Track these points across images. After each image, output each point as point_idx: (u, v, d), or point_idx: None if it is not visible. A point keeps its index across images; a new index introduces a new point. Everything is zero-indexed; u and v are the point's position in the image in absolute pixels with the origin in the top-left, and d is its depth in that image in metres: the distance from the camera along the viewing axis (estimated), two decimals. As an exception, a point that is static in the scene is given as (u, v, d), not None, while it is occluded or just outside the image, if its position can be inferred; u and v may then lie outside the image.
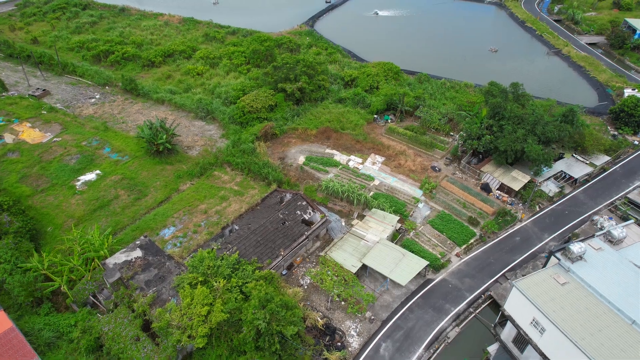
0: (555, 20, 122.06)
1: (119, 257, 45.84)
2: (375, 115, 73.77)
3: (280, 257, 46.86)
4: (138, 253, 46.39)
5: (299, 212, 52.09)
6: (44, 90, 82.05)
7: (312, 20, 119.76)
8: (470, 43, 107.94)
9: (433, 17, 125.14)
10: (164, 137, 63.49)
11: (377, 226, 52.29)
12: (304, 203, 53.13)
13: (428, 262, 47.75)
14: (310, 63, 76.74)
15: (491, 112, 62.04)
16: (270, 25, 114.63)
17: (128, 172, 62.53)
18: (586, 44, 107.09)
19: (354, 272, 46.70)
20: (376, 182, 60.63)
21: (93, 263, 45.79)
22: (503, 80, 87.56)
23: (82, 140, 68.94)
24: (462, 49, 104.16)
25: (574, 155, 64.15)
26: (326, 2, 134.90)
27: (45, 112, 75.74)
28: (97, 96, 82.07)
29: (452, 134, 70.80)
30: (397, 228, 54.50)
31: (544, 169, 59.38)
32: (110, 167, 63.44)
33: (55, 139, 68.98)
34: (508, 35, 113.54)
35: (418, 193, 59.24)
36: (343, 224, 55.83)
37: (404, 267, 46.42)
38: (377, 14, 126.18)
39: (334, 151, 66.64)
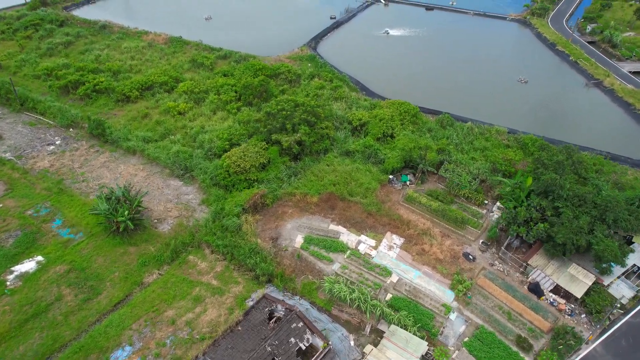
0: (588, 42, 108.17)
1: None
2: (391, 176, 60.26)
3: (266, 422, 33.64)
4: (67, 414, 33.21)
5: (293, 339, 38.76)
6: (-6, 134, 69.06)
7: (314, 41, 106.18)
8: (496, 71, 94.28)
9: (450, 38, 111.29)
10: (126, 213, 50.18)
11: (398, 357, 38.91)
12: (301, 325, 39.79)
13: None
14: (311, 108, 63.30)
15: (542, 186, 48.48)
16: (267, 47, 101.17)
17: (79, 259, 49.23)
18: (629, 72, 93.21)
19: None
20: (394, 279, 47.19)
21: None
22: (539, 124, 74.84)
23: (28, 208, 55.75)
24: (487, 79, 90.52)
25: (645, 239, 50.57)
26: (331, 17, 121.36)
27: (-11, 166, 62.78)
28: (58, 142, 68.84)
29: (486, 202, 57.26)
30: (424, 353, 41.11)
31: (613, 265, 45.85)
32: (57, 250, 50.12)
33: (-5, 206, 55.92)
34: (537, 61, 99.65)
35: (449, 296, 45.76)
36: (352, 343, 42.45)
37: None
38: (388, 33, 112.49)
39: (340, 228, 53.21)
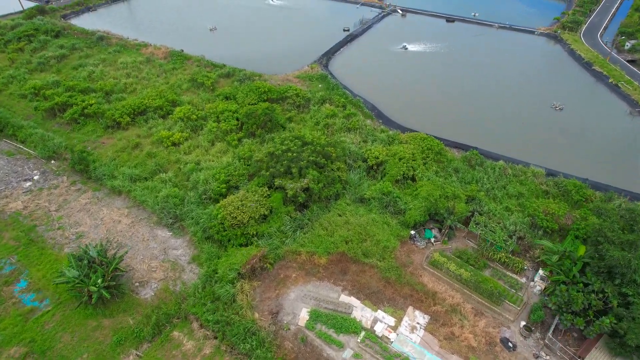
0: (628, 61, 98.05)
1: None
2: (413, 232, 51.60)
3: None
4: None
5: None
6: (-34, 167, 61.91)
7: (326, 57, 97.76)
8: (527, 95, 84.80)
9: (474, 55, 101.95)
10: (100, 280, 42.30)
11: None
12: None
13: None
14: (321, 147, 54.98)
15: (603, 264, 39.48)
16: (274, 64, 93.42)
17: (40, 338, 41.50)
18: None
19: None
20: (419, 374, 38.70)
21: None
22: (580, 162, 65.66)
23: (-9, 264, 48.33)
24: (518, 105, 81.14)
25: None
26: (344, 30, 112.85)
27: (-45, 209, 55.55)
28: (36, 177, 61.43)
29: (526, 267, 48.37)
30: None
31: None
32: (16, 324, 42.43)
33: (-46, 261, 48.51)
34: (572, 84, 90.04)
35: (487, 402, 37.11)
36: None
37: None
38: (406, 48, 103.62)
39: (353, 300, 44.77)
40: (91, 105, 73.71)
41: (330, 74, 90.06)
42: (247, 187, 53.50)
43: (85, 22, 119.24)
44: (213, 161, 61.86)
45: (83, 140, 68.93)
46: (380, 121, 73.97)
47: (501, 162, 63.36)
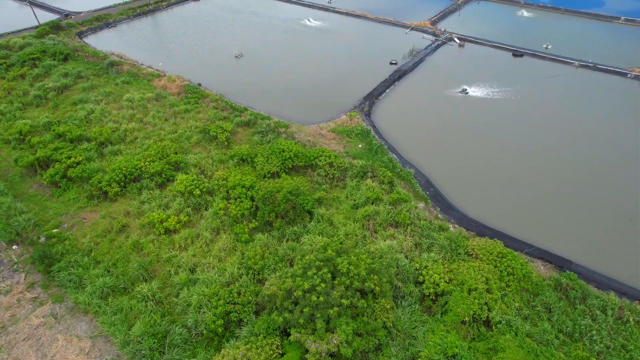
0: None
1: None
2: None
3: None
4: None
5: None
6: None
7: (369, 101, 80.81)
8: (626, 172, 64.94)
9: (552, 105, 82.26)
10: None
11: None
12: None
13: None
14: (360, 282, 38.23)
15: None
16: (306, 106, 78.09)
17: None
18: None
19: None
20: None
21: None
22: None
23: None
24: (618, 185, 61.57)
25: None
26: (391, 63, 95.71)
27: None
28: (-10, 272, 47.91)
29: None
30: None
31: None
32: None
33: None
34: (688, 156, 69.20)
35: None
36: None
37: None
38: (467, 92, 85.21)
39: None
40: (77, 164, 60.04)
41: (374, 126, 73.19)
42: (252, 337, 37.50)
43: (102, 40, 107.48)
44: (214, 267, 46.36)
45: (60, 213, 55.18)
46: (438, 209, 56.33)
47: (612, 294, 44.80)
